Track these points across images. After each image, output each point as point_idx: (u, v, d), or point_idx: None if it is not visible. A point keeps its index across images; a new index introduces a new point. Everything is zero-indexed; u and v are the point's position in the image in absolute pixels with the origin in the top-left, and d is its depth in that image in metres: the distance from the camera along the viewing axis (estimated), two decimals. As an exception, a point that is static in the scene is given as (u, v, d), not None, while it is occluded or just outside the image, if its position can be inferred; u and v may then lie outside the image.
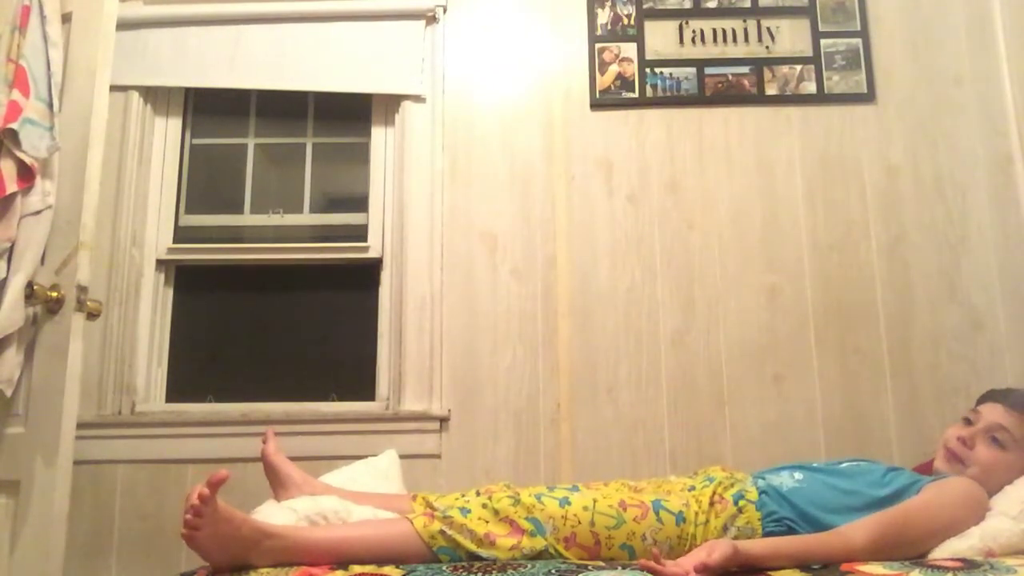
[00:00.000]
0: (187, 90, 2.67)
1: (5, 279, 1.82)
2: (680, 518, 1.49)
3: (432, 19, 2.61)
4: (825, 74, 2.55)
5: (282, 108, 2.70)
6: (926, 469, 1.74)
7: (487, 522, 1.44)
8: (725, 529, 1.49)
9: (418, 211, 2.49)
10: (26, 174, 1.87)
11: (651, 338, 2.40)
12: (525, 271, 2.45)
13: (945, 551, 1.42)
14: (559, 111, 2.55)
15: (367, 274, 2.56)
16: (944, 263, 2.43)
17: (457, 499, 1.63)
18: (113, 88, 2.26)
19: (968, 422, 1.68)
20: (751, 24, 2.60)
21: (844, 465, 1.66)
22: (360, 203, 2.61)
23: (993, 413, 1.65)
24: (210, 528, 1.28)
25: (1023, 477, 1.57)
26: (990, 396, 1.73)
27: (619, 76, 2.57)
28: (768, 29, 2.59)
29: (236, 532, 1.31)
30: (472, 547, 1.40)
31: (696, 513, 1.51)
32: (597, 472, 2.26)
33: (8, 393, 1.83)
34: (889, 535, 1.41)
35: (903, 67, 2.56)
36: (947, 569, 1.27)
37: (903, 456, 2.20)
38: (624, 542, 1.46)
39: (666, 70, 2.57)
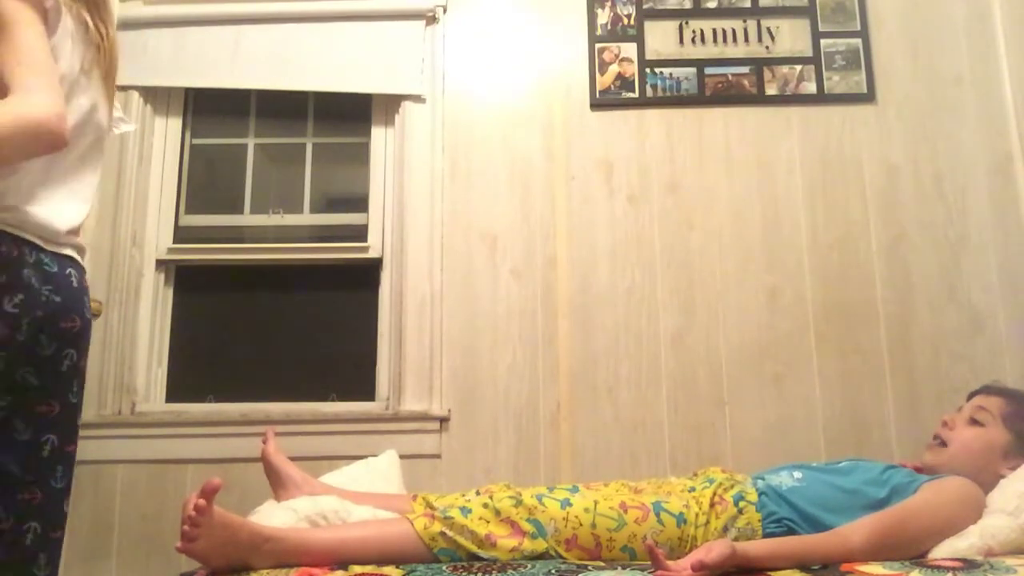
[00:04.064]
0: (187, 90, 2.67)
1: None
2: (681, 519, 1.50)
3: (432, 19, 2.61)
4: (825, 74, 2.55)
5: (282, 108, 2.70)
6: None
7: (488, 522, 1.44)
8: (725, 530, 1.49)
9: (418, 211, 2.49)
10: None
11: (651, 338, 2.40)
12: (525, 271, 2.45)
13: (945, 550, 1.43)
14: (559, 111, 2.55)
15: (367, 274, 2.56)
16: (944, 263, 2.43)
17: (457, 499, 1.63)
18: (113, 88, 2.27)
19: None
20: (751, 24, 2.60)
21: (843, 464, 1.67)
22: (360, 203, 2.61)
23: (975, 400, 1.73)
24: (208, 536, 1.27)
25: (1018, 472, 1.58)
26: (977, 391, 1.78)
27: (619, 76, 2.57)
28: (768, 29, 2.59)
29: (234, 537, 1.31)
30: (473, 548, 1.41)
31: (697, 514, 1.51)
32: (597, 472, 2.27)
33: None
34: (887, 535, 1.41)
35: (903, 67, 2.56)
36: (947, 569, 1.27)
37: (903, 456, 2.19)
38: (625, 544, 1.47)
39: (666, 70, 2.57)
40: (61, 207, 1.39)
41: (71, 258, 1.41)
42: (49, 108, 1.22)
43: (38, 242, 1.33)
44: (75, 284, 1.41)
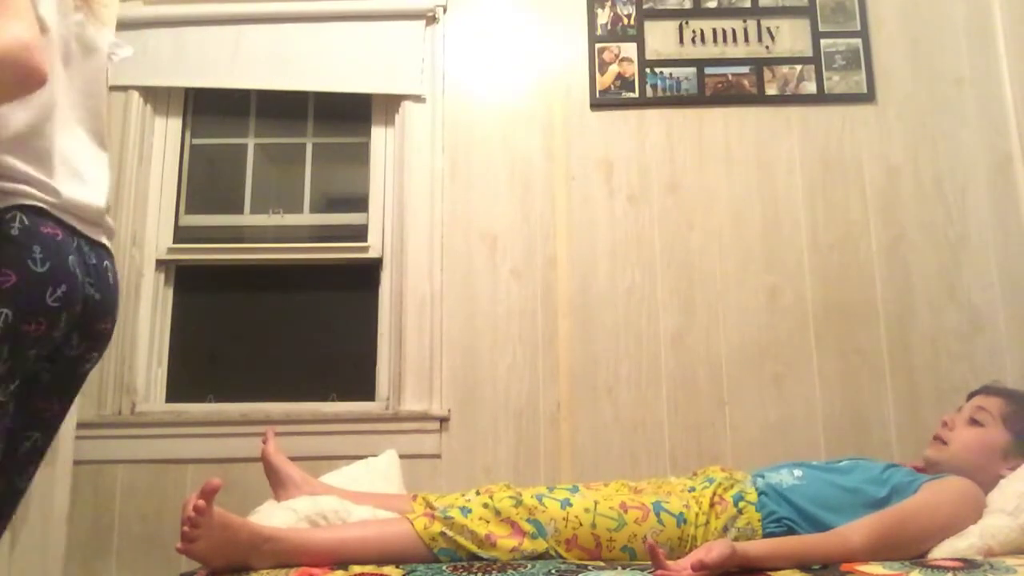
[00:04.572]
0: (187, 90, 2.67)
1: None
2: (681, 519, 1.49)
3: (432, 19, 2.61)
4: (825, 74, 2.55)
5: (282, 108, 2.70)
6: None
7: (488, 522, 1.44)
8: (725, 530, 1.49)
9: (418, 211, 2.49)
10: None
11: (651, 338, 2.40)
12: (525, 271, 2.45)
13: (945, 550, 1.43)
14: (559, 111, 2.55)
15: (367, 274, 2.56)
16: (944, 263, 2.43)
17: (457, 499, 1.63)
18: (113, 88, 2.26)
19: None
20: (751, 24, 2.60)
21: (843, 463, 1.67)
22: (360, 203, 2.61)
23: (975, 400, 1.72)
24: (208, 537, 1.27)
25: (1018, 472, 1.58)
26: (977, 391, 1.78)
27: (619, 76, 2.57)
28: (768, 29, 2.59)
29: (234, 538, 1.31)
30: (473, 548, 1.41)
31: (697, 514, 1.51)
32: (597, 472, 2.27)
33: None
34: (887, 535, 1.41)
35: (903, 67, 2.56)
36: (947, 569, 1.27)
37: (903, 456, 2.19)
38: (625, 544, 1.47)
39: (666, 70, 2.57)
40: (86, 160, 1.26)
41: (107, 248, 1.31)
42: (16, 39, 1.05)
43: (78, 226, 1.23)
44: (111, 281, 1.31)
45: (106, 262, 1.30)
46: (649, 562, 1.32)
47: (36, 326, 1.15)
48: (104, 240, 1.31)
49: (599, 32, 2.60)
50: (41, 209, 1.17)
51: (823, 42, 2.57)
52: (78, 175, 1.25)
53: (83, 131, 1.31)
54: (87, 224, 1.26)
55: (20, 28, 1.07)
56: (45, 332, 1.16)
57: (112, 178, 2.41)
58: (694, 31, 2.60)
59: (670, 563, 1.25)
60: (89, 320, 1.26)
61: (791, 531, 1.50)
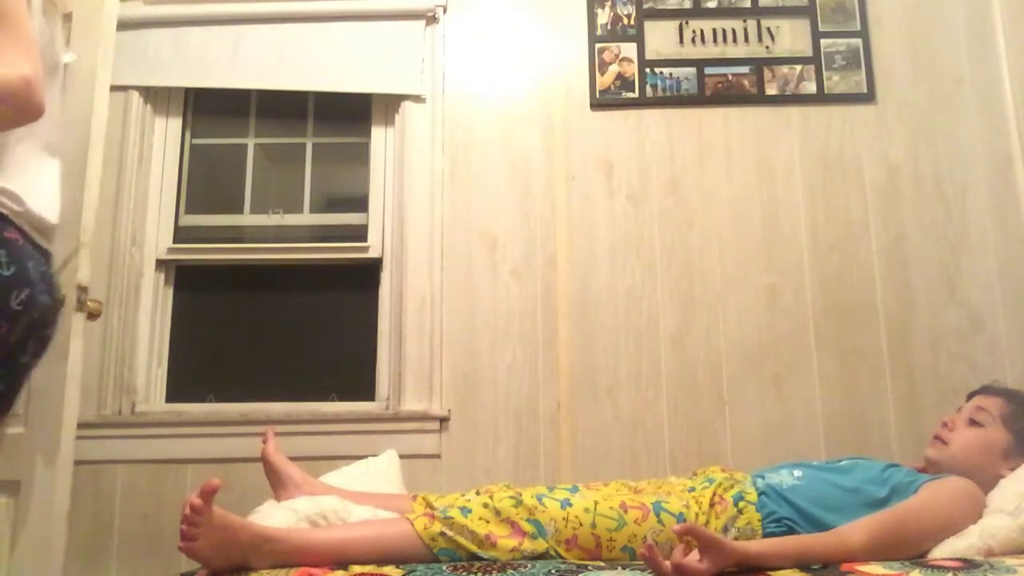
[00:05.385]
0: (187, 90, 2.67)
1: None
2: (681, 519, 1.49)
3: (432, 19, 2.61)
4: (825, 74, 2.55)
5: (282, 108, 2.70)
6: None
7: (488, 522, 1.44)
8: (725, 530, 1.49)
9: (418, 211, 2.49)
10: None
11: (651, 338, 2.40)
12: (525, 271, 2.45)
13: (945, 550, 1.43)
14: (559, 111, 2.55)
15: (367, 274, 2.56)
16: (944, 263, 2.43)
17: (457, 499, 1.63)
18: (113, 88, 2.26)
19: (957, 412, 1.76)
20: (751, 24, 2.60)
21: (843, 462, 1.68)
22: (360, 203, 2.61)
23: (975, 401, 1.73)
24: (207, 537, 1.27)
25: (1018, 472, 1.58)
26: (976, 391, 1.78)
27: (619, 76, 2.57)
28: (768, 29, 2.60)
29: (234, 538, 1.31)
30: (473, 548, 1.41)
31: (697, 514, 1.51)
32: (597, 472, 2.27)
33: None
34: (887, 535, 1.41)
35: (903, 67, 2.56)
36: (947, 569, 1.27)
37: (903, 456, 2.19)
38: (625, 544, 1.47)
39: (666, 70, 2.57)
40: (35, 169, 1.27)
41: (50, 255, 1.32)
42: (20, 76, 1.08)
43: (32, 234, 1.25)
44: (56, 285, 1.32)
45: (51, 269, 1.32)
46: (649, 562, 1.32)
47: None
48: (49, 249, 1.32)
49: (599, 32, 2.60)
50: (3, 215, 1.18)
51: (823, 42, 2.57)
52: (30, 184, 1.26)
53: (34, 139, 1.31)
54: (36, 232, 1.27)
55: (24, 63, 1.10)
56: (5, 335, 1.17)
57: (112, 178, 2.44)
58: (694, 31, 2.60)
59: (667, 563, 1.24)
60: (44, 325, 1.26)
61: (791, 531, 1.50)
